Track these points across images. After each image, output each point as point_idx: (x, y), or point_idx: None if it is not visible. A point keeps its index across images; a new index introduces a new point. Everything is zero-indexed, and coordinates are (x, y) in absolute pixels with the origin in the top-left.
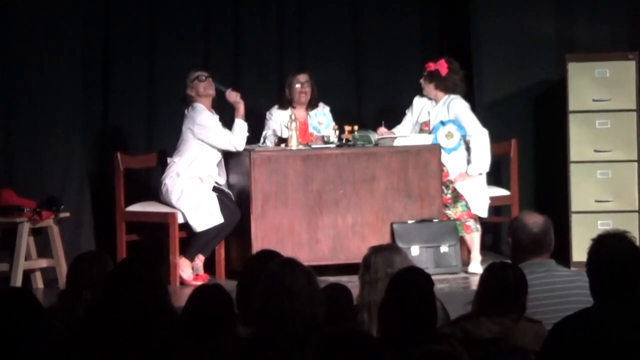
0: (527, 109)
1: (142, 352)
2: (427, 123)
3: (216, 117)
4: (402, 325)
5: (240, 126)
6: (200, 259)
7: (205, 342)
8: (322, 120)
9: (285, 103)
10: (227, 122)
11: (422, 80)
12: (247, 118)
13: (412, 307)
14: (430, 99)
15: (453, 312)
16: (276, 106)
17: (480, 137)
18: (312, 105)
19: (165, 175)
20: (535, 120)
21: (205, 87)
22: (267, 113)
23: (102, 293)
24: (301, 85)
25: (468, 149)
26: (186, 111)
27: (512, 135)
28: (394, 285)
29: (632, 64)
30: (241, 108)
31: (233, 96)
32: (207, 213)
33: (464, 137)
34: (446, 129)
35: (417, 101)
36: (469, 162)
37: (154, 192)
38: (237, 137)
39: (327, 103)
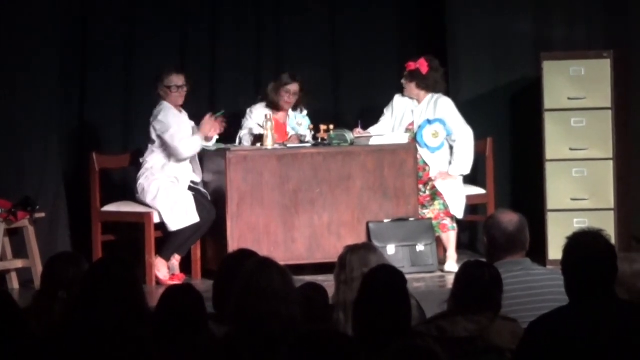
0: (503, 107)
1: (117, 352)
2: (412, 123)
3: (183, 116)
4: (376, 324)
5: (196, 140)
6: (176, 259)
7: (177, 342)
8: (300, 121)
9: (271, 104)
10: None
11: (403, 81)
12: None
13: (386, 305)
14: (412, 98)
15: (429, 310)
16: (260, 104)
17: (466, 138)
18: (296, 109)
19: (140, 175)
20: (511, 118)
21: (176, 97)
22: (248, 110)
23: (78, 293)
24: (289, 96)
25: (450, 148)
26: (154, 110)
27: (487, 134)
28: (366, 284)
29: (607, 63)
30: (208, 131)
31: (208, 127)
32: (183, 212)
33: (449, 136)
34: (433, 127)
35: (398, 100)
36: (450, 162)
37: (130, 192)
38: (187, 143)
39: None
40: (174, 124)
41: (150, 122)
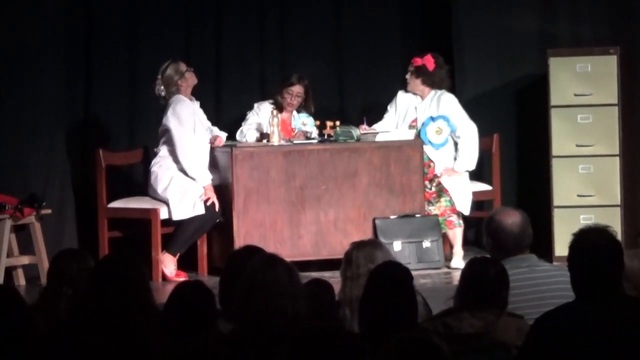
0: (509, 104)
1: (123, 348)
2: (415, 119)
3: (196, 104)
4: (382, 320)
5: (205, 179)
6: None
7: (186, 339)
8: (305, 121)
9: (277, 104)
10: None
11: (408, 76)
12: (229, 112)
13: (392, 301)
14: (415, 94)
15: (435, 307)
16: (268, 101)
17: (470, 134)
18: (302, 110)
19: (153, 163)
20: (517, 115)
21: (191, 78)
22: (256, 105)
23: (84, 289)
24: (291, 97)
25: (455, 144)
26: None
27: (494, 130)
28: (372, 281)
29: (613, 59)
30: (210, 189)
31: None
32: (191, 203)
33: (453, 133)
34: (436, 124)
35: (401, 96)
36: (455, 158)
37: (136, 188)
38: (196, 166)
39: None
40: (190, 128)
41: (166, 113)
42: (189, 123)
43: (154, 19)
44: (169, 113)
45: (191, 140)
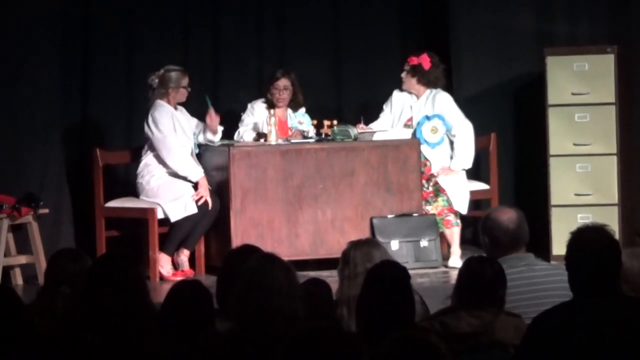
0: (507, 103)
1: (121, 347)
2: (410, 118)
3: (179, 112)
4: (379, 320)
5: (197, 173)
6: (184, 254)
7: (183, 338)
8: (302, 120)
9: (268, 102)
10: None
11: (403, 74)
12: (226, 111)
13: (389, 300)
14: (410, 93)
15: (433, 306)
16: (261, 100)
17: (466, 132)
18: (294, 106)
19: (137, 173)
20: (514, 114)
21: (183, 96)
22: (249, 105)
23: (82, 289)
24: (279, 92)
25: (451, 143)
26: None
27: (491, 130)
28: (370, 280)
29: (610, 58)
30: (203, 183)
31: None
32: (182, 204)
33: (448, 131)
34: (431, 123)
35: (397, 96)
36: (451, 156)
37: (133, 187)
38: (185, 165)
39: (306, 98)
40: (170, 131)
41: (146, 120)
42: (168, 125)
43: (152, 18)
44: (149, 120)
45: (174, 141)
